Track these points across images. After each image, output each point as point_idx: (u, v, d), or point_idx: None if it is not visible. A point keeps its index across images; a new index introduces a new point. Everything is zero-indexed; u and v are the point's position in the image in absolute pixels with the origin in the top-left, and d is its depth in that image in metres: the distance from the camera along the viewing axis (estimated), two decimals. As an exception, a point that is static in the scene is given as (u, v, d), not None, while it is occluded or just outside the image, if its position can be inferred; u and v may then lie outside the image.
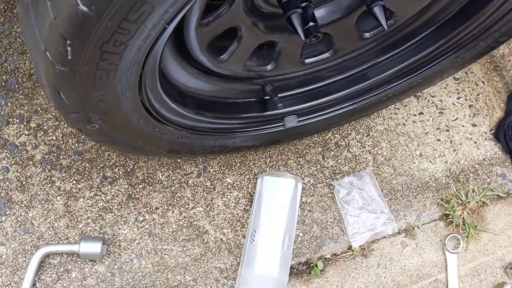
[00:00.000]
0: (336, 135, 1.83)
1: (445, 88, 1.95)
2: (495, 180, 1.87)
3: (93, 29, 0.97)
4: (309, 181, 1.77)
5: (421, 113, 1.90)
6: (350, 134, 1.84)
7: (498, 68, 2.00)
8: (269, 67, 1.51)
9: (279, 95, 1.56)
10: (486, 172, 1.87)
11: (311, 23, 1.33)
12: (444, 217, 1.80)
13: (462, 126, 1.92)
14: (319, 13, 1.45)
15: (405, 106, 1.90)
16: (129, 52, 1.06)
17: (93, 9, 0.94)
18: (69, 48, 1.01)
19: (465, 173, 1.86)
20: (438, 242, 1.77)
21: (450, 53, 1.56)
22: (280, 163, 1.77)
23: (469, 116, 1.93)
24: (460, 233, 1.78)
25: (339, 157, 1.81)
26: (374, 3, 1.34)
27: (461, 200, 1.81)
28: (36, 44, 1.06)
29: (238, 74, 1.48)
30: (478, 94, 1.96)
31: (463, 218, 1.79)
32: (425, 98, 1.92)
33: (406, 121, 1.89)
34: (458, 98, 1.94)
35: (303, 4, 1.32)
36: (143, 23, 0.99)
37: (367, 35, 1.52)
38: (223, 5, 1.27)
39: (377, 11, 1.34)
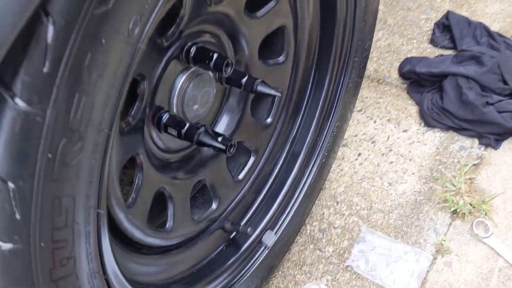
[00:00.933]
0: (313, 224, 1.50)
1: (358, 123, 1.72)
2: (461, 155, 1.61)
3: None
4: (327, 280, 1.40)
5: (359, 154, 1.65)
6: (323, 212, 1.52)
7: (381, 81, 1.83)
8: (213, 206, 1.19)
9: (241, 224, 1.25)
10: (448, 156, 1.61)
11: (220, 137, 1.06)
12: (455, 215, 1.48)
13: (397, 138, 1.68)
14: (221, 128, 1.20)
15: (343, 158, 1.63)
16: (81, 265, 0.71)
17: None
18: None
19: (434, 169, 1.59)
20: (471, 239, 1.44)
21: (342, 86, 1.34)
22: (290, 284, 1.40)
23: (395, 127, 1.70)
24: (479, 215, 1.48)
25: (332, 239, 1.47)
26: (254, 84, 1.09)
27: (453, 190, 1.52)
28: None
29: (194, 232, 1.15)
30: (386, 108, 1.76)
31: (469, 203, 1.49)
32: (351, 141, 1.67)
33: (354, 167, 1.61)
34: (375, 122, 1.72)
35: (202, 126, 1.06)
36: (74, 221, 0.66)
37: (269, 120, 1.27)
38: (136, 178, 0.98)
39: (262, 88, 1.11)
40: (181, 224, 1.08)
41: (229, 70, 0.98)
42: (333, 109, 1.34)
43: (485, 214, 1.45)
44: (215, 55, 0.96)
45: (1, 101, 0.52)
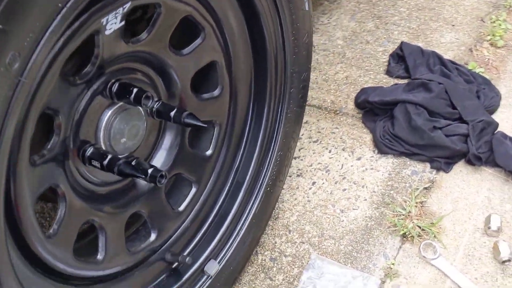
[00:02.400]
0: (265, 253, 1.50)
1: (314, 153, 1.74)
2: (412, 180, 1.62)
3: None
4: (276, 307, 1.40)
5: (313, 183, 1.66)
6: (275, 242, 1.53)
7: (338, 111, 1.86)
8: (152, 237, 1.21)
9: (183, 254, 1.26)
10: (400, 180, 1.62)
11: (150, 168, 1.10)
12: (405, 238, 1.48)
13: (351, 166, 1.70)
14: (158, 162, 1.23)
15: (297, 188, 1.65)
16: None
17: None
18: None
19: (386, 194, 1.59)
20: (419, 261, 1.44)
21: (281, 116, 1.37)
22: (240, 315, 1.40)
23: (349, 156, 1.72)
24: (427, 238, 1.48)
25: (283, 268, 1.47)
26: (182, 116, 1.09)
27: (403, 214, 1.53)
28: None
29: (130, 263, 1.17)
30: (341, 137, 1.78)
31: (418, 226, 1.50)
32: (306, 170, 1.69)
33: (307, 196, 1.63)
34: (329, 152, 1.74)
35: (128, 158, 1.10)
36: None
37: (209, 152, 1.29)
38: (59, 209, 1.01)
39: (190, 120, 1.10)
40: (114, 255, 1.10)
41: (149, 103, 1.02)
42: (274, 139, 1.36)
43: (434, 236, 1.45)
44: (135, 90, 1.00)
45: None
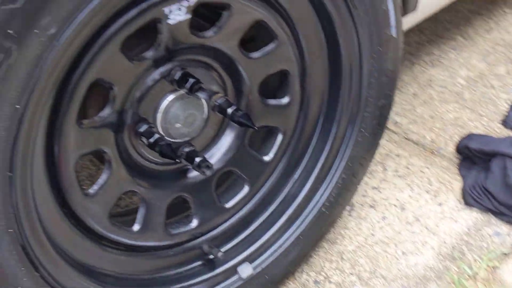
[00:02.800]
0: (310, 273, 1.46)
1: (394, 187, 1.65)
2: (492, 241, 1.45)
3: None
4: (302, 329, 1.36)
5: (384, 218, 1.58)
6: (324, 266, 1.47)
7: (434, 151, 1.74)
8: (193, 224, 1.26)
9: (219, 248, 1.29)
10: (478, 238, 1.47)
11: (198, 157, 1.15)
12: (461, 300, 1.34)
13: (430, 210, 1.57)
14: (214, 156, 1.27)
15: (365, 218, 1.58)
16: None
17: None
18: None
19: (457, 249, 1.45)
20: (470, 329, 1.29)
21: (350, 138, 1.31)
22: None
23: (431, 199, 1.60)
24: (487, 307, 1.31)
25: (324, 293, 1.42)
26: (236, 115, 1.12)
27: (469, 275, 1.38)
28: None
29: (166, 242, 1.23)
30: (428, 179, 1.66)
31: (481, 291, 1.34)
32: (381, 203, 1.61)
33: (373, 231, 1.55)
34: (411, 190, 1.64)
35: (182, 143, 1.16)
36: None
37: (268, 157, 1.30)
38: (103, 173, 1.10)
39: (242, 120, 1.11)
40: (151, 230, 1.17)
41: (203, 95, 1.07)
42: (338, 160, 1.33)
43: (496, 307, 1.29)
44: (192, 80, 1.06)
45: None
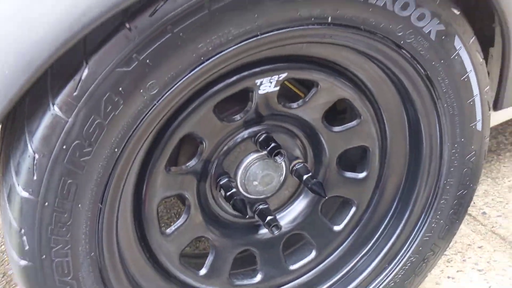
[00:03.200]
0: None
1: (471, 281, 1.59)
2: None
3: (36, 213, 0.90)
4: None
5: (454, 310, 1.52)
6: None
7: (521, 251, 1.66)
8: (257, 279, 1.32)
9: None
10: None
11: (269, 216, 1.22)
12: None
13: (505, 312, 1.49)
14: (287, 217, 1.34)
15: (434, 306, 1.53)
16: (75, 238, 0.96)
17: (31, 192, 0.89)
18: (24, 238, 0.92)
19: None
20: None
21: (423, 223, 1.32)
22: None
23: (509, 301, 1.52)
24: None
25: None
26: (311, 182, 1.20)
27: None
28: (7, 238, 0.97)
29: (224, 289, 1.30)
30: (510, 279, 1.58)
31: None
32: (454, 294, 1.56)
33: (440, 321, 1.50)
34: (489, 287, 1.57)
35: (258, 201, 1.25)
36: (74, 201, 0.93)
37: (338, 227, 1.33)
38: (181, 217, 1.21)
39: (315, 187, 1.19)
40: (215, 277, 1.25)
41: (280, 159, 1.15)
42: (408, 242, 1.33)
43: None
44: (272, 145, 1.15)
45: None
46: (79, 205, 0.92)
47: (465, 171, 1.26)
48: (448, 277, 1.60)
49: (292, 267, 1.33)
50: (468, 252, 1.66)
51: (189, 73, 0.90)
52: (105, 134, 0.89)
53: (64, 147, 0.87)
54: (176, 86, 0.91)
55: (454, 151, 1.23)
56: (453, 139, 1.21)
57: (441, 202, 1.29)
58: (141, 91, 0.88)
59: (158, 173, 1.08)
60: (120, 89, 0.86)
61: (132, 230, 1.11)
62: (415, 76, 1.10)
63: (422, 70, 1.09)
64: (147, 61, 0.86)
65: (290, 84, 1.28)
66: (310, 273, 1.35)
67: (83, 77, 0.84)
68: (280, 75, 1.08)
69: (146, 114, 0.91)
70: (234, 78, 1.04)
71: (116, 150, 0.91)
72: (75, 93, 0.85)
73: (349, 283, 1.35)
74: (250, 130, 1.16)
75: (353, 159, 1.31)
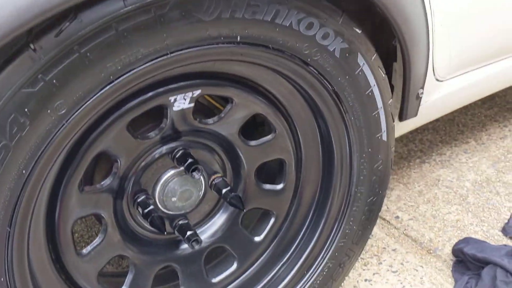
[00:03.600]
0: None
1: (386, 282, 1.67)
2: None
3: None
4: None
5: (371, 311, 1.60)
6: None
7: (431, 251, 1.76)
8: (176, 295, 1.32)
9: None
10: None
11: (189, 231, 1.23)
12: None
13: (417, 310, 1.59)
14: (207, 231, 1.35)
15: (353, 309, 1.60)
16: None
17: None
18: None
19: None
20: None
21: (338, 229, 1.38)
22: None
23: (421, 299, 1.62)
24: None
25: None
26: (229, 196, 1.20)
27: None
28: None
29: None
30: (421, 278, 1.68)
31: None
32: (370, 296, 1.63)
33: (358, 323, 1.56)
34: (403, 287, 1.66)
35: (176, 216, 1.25)
36: None
37: (258, 238, 1.37)
38: (98, 236, 1.19)
39: (233, 201, 1.21)
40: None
41: (197, 175, 1.17)
42: (325, 249, 1.38)
43: None
44: (189, 160, 1.16)
45: None
46: (-14, 230, 0.89)
47: (373, 179, 1.34)
48: (365, 280, 1.67)
49: (214, 280, 1.34)
50: (383, 255, 1.75)
51: (98, 92, 0.90)
52: (12, 156, 0.87)
53: (-33, 170, 0.84)
54: (85, 105, 0.90)
55: (362, 160, 1.29)
56: (361, 150, 1.27)
57: (353, 209, 1.36)
58: (49, 111, 0.87)
59: (71, 193, 1.06)
60: (26, 110, 0.85)
61: (46, 252, 1.08)
62: (323, 91, 1.16)
63: (329, 86, 1.15)
64: (54, 81, 0.85)
65: (210, 97, 1.30)
66: (232, 285, 1.37)
67: (-15, 99, 0.82)
68: (194, 92, 1.10)
69: (55, 134, 0.90)
70: (147, 95, 1.05)
71: (24, 172, 0.89)
72: (-23, 116, 0.82)
73: (270, 290, 1.39)
74: (167, 146, 1.16)
75: (273, 171, 1.35)
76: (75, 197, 1.07)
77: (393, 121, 1.29)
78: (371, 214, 1.39)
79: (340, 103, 1.18)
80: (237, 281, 1.37)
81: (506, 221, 1.82)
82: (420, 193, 1.96)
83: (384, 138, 1.28)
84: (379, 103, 1.22)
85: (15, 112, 0.84)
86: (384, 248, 1.77)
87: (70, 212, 1.08)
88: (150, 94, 1.05)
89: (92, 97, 0.90)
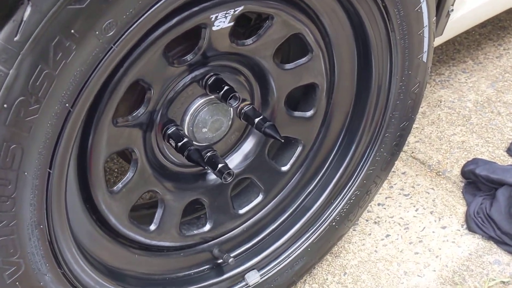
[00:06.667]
0: (313, 284, 1.49)
1: (399, 206, 1.69)
2: (492, 269, 1.50)
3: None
4: None
5: (387, 235, 1.61)
6: (327, 278, 1.50)
7: (440, 173, 1.78)
8: (206, 228, 1.27)
9: (230, 254, 1.30)
10: (478, 265, 1.51)
11: (221, 164, 1.15)
12: (460, 325, 1.38)
13: (433, 232, 1.61)
14: (233, 161, 1.28)
15: (369, 234, 1.61)
16: (22, 211, 0.83)
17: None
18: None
19: (458, 273, 1.49)
20: None
21: (369, 156, 1.35)
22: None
23: (435, 221, 1.64)
24: (485, 334, 1.35)
25: (325, 306, 1.45)
26: (264, 125, 1.14)
27: (468, 300, 1.42)
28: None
29: (178, 244, 1.24)
30: (433, 200, 1.70)
31: (480, 317, 1.38)
32: (385, 221, 1.64)
33: (376, 247, 1.58)
34: (416, 210, 1.67)
35: (206, 148, 1.17)
36: (20, 169, 0.79)
37: (285, 168, 1.32)
38: (128, 172, 1.10)
39: (269, 130, 1.13)
40: (166, 231, 1.17)
41: (234, 103, 1.07)
42: (354, 177, 1.35)
43: (493, 335, 1.33)
44: (225, 88, 1.06)
45: None
46: (25, 173, 0.77)
47: (409, 103, 1.29)
48: (378, 204, 1.67)
49: (241, 211, 1.29)
50: (393, 178, 1.74)
51: (150, 8, 0.77)
52: (55, 87, 0.74)
53: (5, 106, 0.71)
54: (136, 25, 0.77)
55: (401, 83, 1.23)
56: (402, 72, 1.21)
57: (386, 135, 1.31)
58: (97, 32, 0.74)
59: (104, 127, 0.95)
60: (72, 31, 0.71)
61: (77, 192, 0.98)
62: (374, 8, 1.07)
63: (381, 1, 1.05)
64: (104, -5, 0.72)
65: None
66: (259, 215, 1.33)
67: (25, 18, 0.67)
68: (236, 9, 0.98)
69: (102, 60, 0.77)
70: (188, 12, 0.92)
71: (67, 105, 0.77)
72: (16, 38, 0.68)
73: (297, 221, 1.35)
74: (197, 72, 1.06)
75: (295, 99, 1.27)
76: (107, 131, 0.96)
77: (433, 41, 1.23)
78: (402, 139, 1.35)
79: (388, 20, 1.09)
80: (263, 211, 1.33)
81: (510, 141, 1.84)
82: (423, 115, 1.95)
83: (424, 59, 1.21)
84: (425, 21, 1.14)
85: (59, 34, 0.71)
86: (393, 171, 1.76)
87: (103, 147, 0.97)
88: (192, 10, 0.92)
89: (143, 15, 0.77)
